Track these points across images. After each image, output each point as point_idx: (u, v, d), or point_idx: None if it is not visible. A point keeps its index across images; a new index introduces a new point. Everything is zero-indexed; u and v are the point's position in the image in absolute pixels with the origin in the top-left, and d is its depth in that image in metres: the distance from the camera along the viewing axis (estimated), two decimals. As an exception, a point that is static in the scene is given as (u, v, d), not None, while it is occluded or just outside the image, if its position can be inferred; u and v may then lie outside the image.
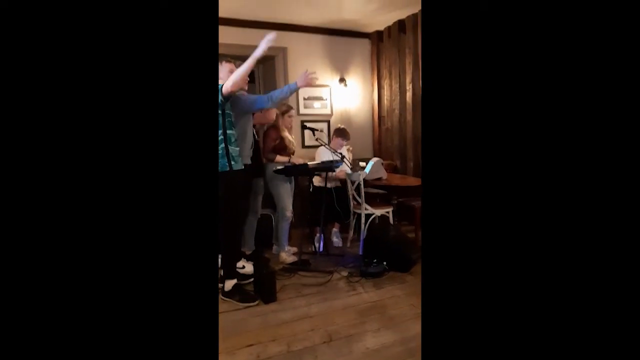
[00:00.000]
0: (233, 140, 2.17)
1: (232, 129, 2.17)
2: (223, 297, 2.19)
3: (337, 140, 3.26)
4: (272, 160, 2.83)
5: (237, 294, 2.18)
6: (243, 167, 2.23)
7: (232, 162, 2.13)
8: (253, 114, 2.64)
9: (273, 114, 2.83)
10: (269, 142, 2.85)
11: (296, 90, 2.34)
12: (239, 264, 2.62)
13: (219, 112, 2.10)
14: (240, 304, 2.14)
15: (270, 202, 3.02)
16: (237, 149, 2.19)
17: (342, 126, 3.40)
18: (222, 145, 2.11)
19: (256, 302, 2.15)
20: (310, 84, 2.35)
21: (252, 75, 4.24)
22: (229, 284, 2.20)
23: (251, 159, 2.59)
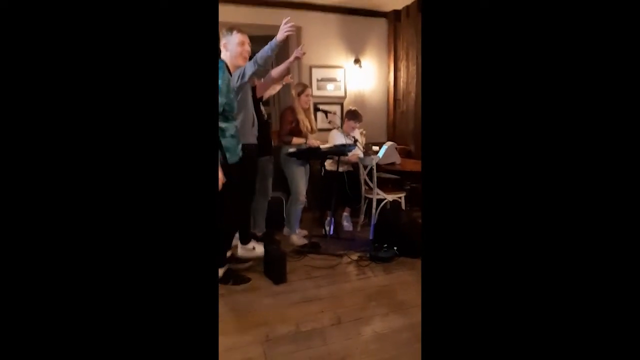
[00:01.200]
0: (231, 133, 2.04)
1: (227, 122, 2.02)
2: None
3: (349, 123, 3.21)
4: (289, 143, 2.78)
5: (230, 278, 2.20)
6: (239, 159, 2.12)
7: (227, 154, 2.02)
8: (254, 90, 2.53)
9: (274, 81, 2.66)
10: (285, 125, 2.80)
11: (277, 44, 2.13)
12: (249, 245, 2.65)
13: None
14: (237, 286, 2.16)
15: (282, 184, 3.02)
16: (234, 140, 2.07)
17: (354, 108, 3.34)
18: None
19: (249, 281, 2.22)
20: (289, 32, 2.12)
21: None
22: (219, 272, 2.19)
23: (258, 138, 2.48)
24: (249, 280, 2.22)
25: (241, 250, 2.62)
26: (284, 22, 2.10)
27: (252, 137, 2.42)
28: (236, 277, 2.22)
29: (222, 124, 2.00)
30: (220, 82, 1.92)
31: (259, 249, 2.61)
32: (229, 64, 2.05)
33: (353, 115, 3.21)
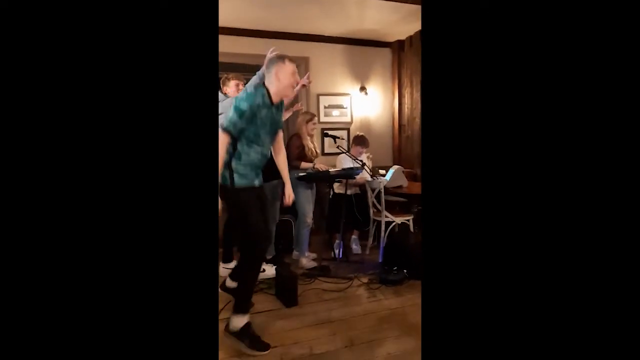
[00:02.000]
0: (249, 160, 1.84)
1: (249, 146, 1.83)
2: (228, 334, 1.75)
3: (356, 148, 3.30)
4: (297, 167, 2.89)
5: (247, 336, 1.74)
6: (253, 184, 1.88)
7: (236, 176, 1.81)
8: None
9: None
10: (293, 149, 2.91)
11: (263, 76, 2.15)
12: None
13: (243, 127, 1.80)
14: (248, 350, 1.72)
15: (291, 207, 3.07)
16: (248, 168, 1.85)
17: (361, 134, 3.44)
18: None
19: (267, 352, 1.73)
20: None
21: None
22: (239, 321, 1.75)
23: (266, 163, 2.60)
24: (268, 347, 1.75)
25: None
26: (270, 52, 2.23)
27: None
28: (254, 339, 1.76)
29: (241, 148, 1.82)
30: (245, 104, 1.75)
31: (269, 270, 2.63)
32: (274, 93, 1.85)
33: (360, 141, 3.30)
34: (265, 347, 1.75)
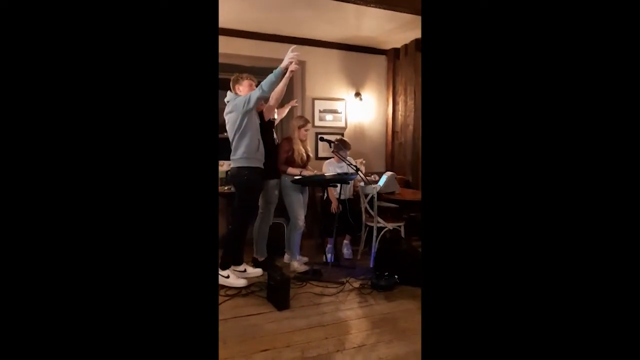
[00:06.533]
0: None
1: None
2: None
3: (338, 153, 3.31)
4: (285, 172, 2.90)
5: None
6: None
7: None
8: (262, 115, 2.72)
9: (273, 108, 2.82)
10: (282, 154, 2.91)
11: (282, 71, 2.34)
12: (240, 268, 2.66)
13: None
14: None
15: (283, 211, 3.07)
16: None
17: (339, 138, 3.42)
18: None
19: None
20: (293, 60, 2.32)
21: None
22: None
23: (267, 161, 2.68)
24: None
25: (232, 277, 2.55)
26: (291, 50, 2.31)
27: (257, 161, 2.58)
28: None
29: None
30: None
31: (250, 270, 2.64)
32: None
33: (342, 145, 3.24)
34: None
